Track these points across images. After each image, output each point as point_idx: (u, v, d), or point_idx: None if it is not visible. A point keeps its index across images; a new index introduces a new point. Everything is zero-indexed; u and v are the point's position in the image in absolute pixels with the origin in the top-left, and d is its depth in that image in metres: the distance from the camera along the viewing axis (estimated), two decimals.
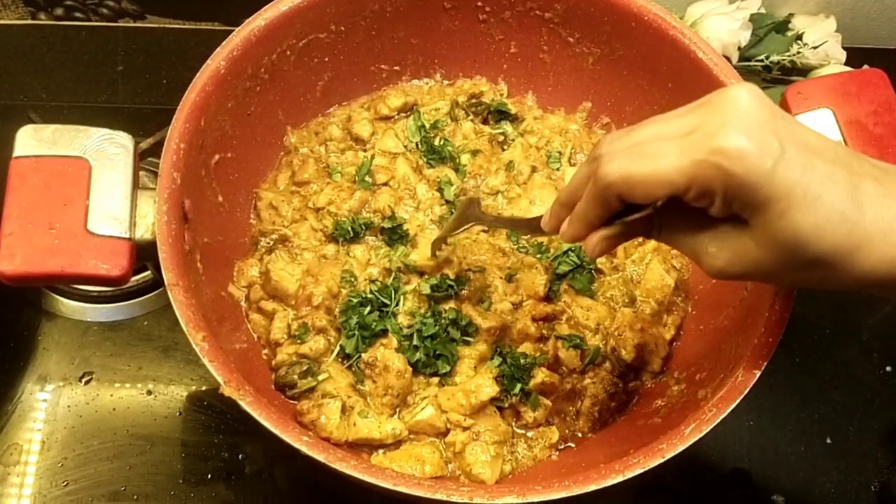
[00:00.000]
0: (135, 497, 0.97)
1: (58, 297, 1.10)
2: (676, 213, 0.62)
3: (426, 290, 0.91)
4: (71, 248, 0.74)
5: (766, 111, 0.55)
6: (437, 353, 0.89)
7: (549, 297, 0.95)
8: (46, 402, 1.03)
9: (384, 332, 0.90)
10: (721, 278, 0.62)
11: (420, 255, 0.94)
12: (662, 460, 0.70)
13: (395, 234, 0.97)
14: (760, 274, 0.60)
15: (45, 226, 0.75)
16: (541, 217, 0.73)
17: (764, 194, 0.54)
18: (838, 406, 1.10)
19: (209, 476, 0.99)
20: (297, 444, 0.69)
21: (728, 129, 0.54)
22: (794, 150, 0.54)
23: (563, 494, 0.68)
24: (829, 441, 1.08)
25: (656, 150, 0.57)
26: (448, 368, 0.89)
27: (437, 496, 0.68)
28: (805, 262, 0.57)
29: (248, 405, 0.71)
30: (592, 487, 0.69)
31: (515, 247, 0.99)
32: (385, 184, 1.01)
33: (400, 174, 1.02)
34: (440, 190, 1.01)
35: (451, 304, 0.92)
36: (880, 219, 0.56)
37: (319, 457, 0.69)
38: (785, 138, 0.54)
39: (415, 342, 0.88)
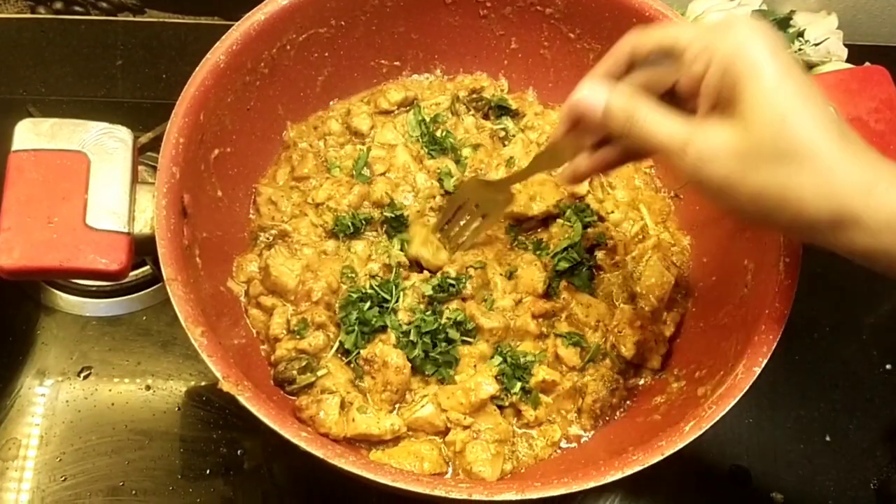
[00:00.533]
0: (133, 492, 0.97)
1: (57, 291, 1.10)
2: (656, 105, 0.66)
3: (428, 290, 0.91)
4: (69, 243, 0.74)
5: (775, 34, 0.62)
6: (441, 360, 0.89)
7: (549, 295, 0.95)
8: (45, 396, 1.03)
9: (384, 328, 0.90)
10: (693, 178, 0.63)
11: (420, 250, 0.94)
12: (662, 457, 0.70)
13: (395, 223, 0.96)
14: (729, 168, 0.61)
15: (43, 220, 0.74)
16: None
17: (768, 68, 0.59)
18: (838, 404, 1.10)
19: (208, 471, 0.99)
20: (295, 440, 0.69)
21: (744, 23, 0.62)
22: (797, 66, 0.60)
23: (562, 491, 0.68)
24: (828, 439, 1.08)
25: (671, 26, 0.70)
26: (451, 373, 0.89)
27: (436, 492, 0.68)
28: (778, 151, 0.58)
29: (246, 400, 0.71)
30: (591, 484, 0.69)
31: (514, 243, 0.99)
32: (383, 174, 1.01)
33: (400, 162, 1.02)
34: (440, 180, 1.00)
35: (455, 305, 0.92)
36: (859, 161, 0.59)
37: (318, 452, 0.69)
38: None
39: (413, 338, 0.88)
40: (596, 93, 0.68)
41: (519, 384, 0.88)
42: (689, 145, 0.62)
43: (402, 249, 0.96)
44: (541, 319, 0.93)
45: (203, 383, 1.05)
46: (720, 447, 1.06)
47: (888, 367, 1.13)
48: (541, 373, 0.88)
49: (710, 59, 0.61)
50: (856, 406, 1.10)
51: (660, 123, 0.65)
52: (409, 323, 0.90)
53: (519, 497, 0.68)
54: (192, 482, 0.99)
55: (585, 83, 0.70)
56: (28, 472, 0.97)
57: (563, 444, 0.90)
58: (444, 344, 0.89)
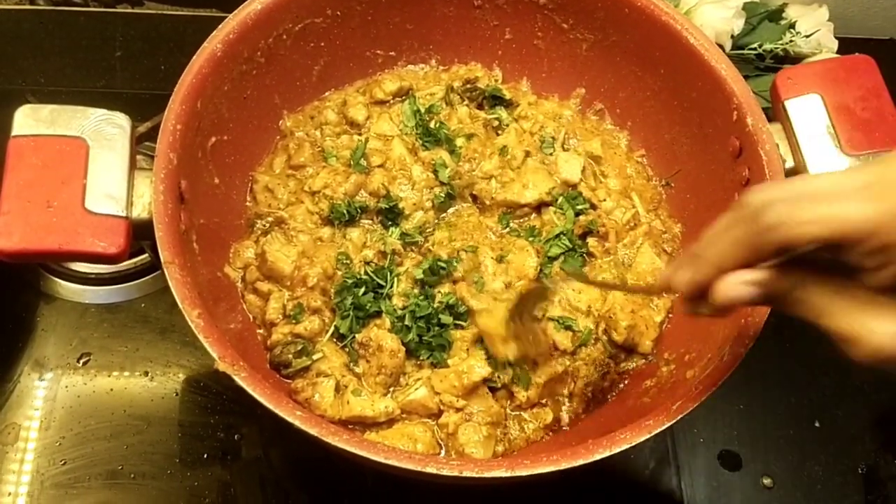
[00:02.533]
0: (132, 476, 0.98)
1: (56, 279, 1.11)
2: (826, 280, 0.56)
3: (419, 274, 0.93)
4: (68, 226, 0.76)
5: None
6: (435, 343, 0.90)
7: (540, 280, 0.96)
8: (45, 382, 1.04)
9: (378, 313, 0.92)
10: (876, 361, 0.54)
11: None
12: (649, 435, 0.71)
13: (390, 214, 0.98)
14: None
15: (42, 204, 0.76)
16: (657, 282, 0.69)
17: None
18: (827, 391, 1.12)
19: (205, 456, 1.01)
20: (290, 419, 0.70)
21: None
22: None
23: (551, 468, 0.69)
24: (817, 425, 1.09)
25: (833, 196, 0.52)
26: (444, 357, 0.90)
27: (428, 469, 0.69)
28: None
29: (242, 380, 0.72)
30: (580, 462, 0.70)
31: (506, 230, 1.00)
32: (380, 166, 1.02)
33: (396, 155, 1.03)
34: (435, 172, 1.02)
35: (447, 288, 0.93)
36: None
37: (312, 430, 0.70)
38: None
39: (407, 322, 0.89)
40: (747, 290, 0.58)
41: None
42: (882, 336, 0.53)
43: (400, 238, 0.97)
44: None
45: (201, 369, 1.06)
46: (711, 432, 1.07)
47: None
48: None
49: (891, 253, 0.51)
50: (845, 393, 1.12)
51: (832, 314, 0.55)
52: (404, 308, 0.91)
53: (509, 474, 0.69)
54: (189, 466, 1.00)
55: (732, 278, 0.58)
56: (29, 454, 0.98)
57: (555, 428, 0.91)
58: (437, 328, 0.90)
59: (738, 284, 0.58)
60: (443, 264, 0.93)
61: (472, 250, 0.96)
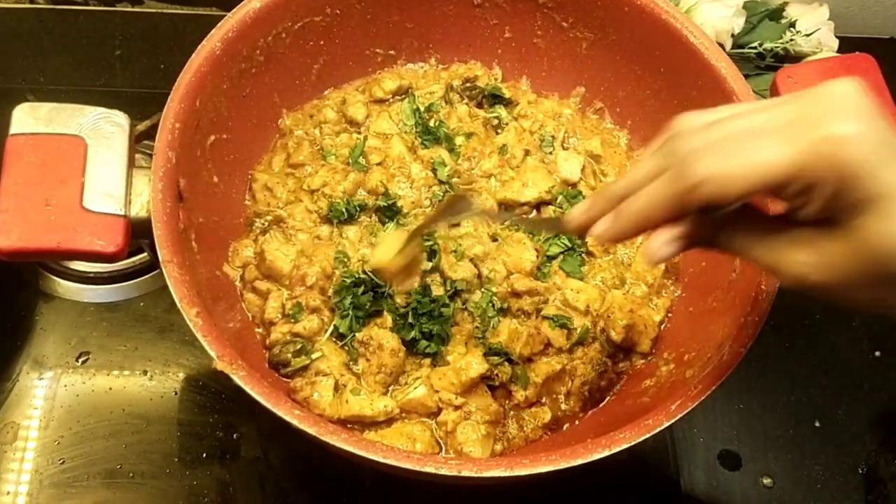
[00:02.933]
0: (130, 475, 0.98)
1: (55, 278, 1.11)
2: (746, 218, 0.58)
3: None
4: (67, 225, 0.75)
5: (874, 104, 0.51)
6: (431, 332, 0.90)
7: (538, 278, 0.96)
8: (43, 381, 1.04)
9: (378, 313, 0.91)
10: (798, 288, 0.56)
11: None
12: (649, 435, 0.71)
13: (389, 212, 0.97)
14: (841, 285, 0.54)
15: (41, 202, 0.76)
16: (560, 216, 0.68)
17: (874, 189, 0.49)
18: (827, 390, 1.12)
19: (204, 455, 1.00)
20: (288, 418, 0.70)
21: (839, 116, 0.50)
22: None
23: (550, 468, 0.69)
24: (817, 424, 1.09)
25: (754, 144, 0.52)
26: (444, 349, 0.90)
27: (427, 468, 0.69)
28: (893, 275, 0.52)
29: (241, 379, 0.72)
30: (579, 461, 0.70)
31: (506, 225, 1.00)
32: (379, 164, 1.02)
33: (395, 153, 1.03)
34: (434, 170, 1.01)
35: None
36: None
37: (311, 430, 0.70)
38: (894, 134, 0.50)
39: (410, 320, 0.89)
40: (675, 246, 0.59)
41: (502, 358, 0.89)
42: (802, 266, 0.55)
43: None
44: (526, 297, 0.94)
45: (200, 369, 1.06)
46: (711, 432, 1.07)
47: (877, 353, 1.14)
48: (504, 330, 0.90)
49: (811, 195, 0.52)
50: (845, 392, 1.12)
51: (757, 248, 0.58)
52: (407, 305, 0.91)
53: (507, 473, 0.69)
54: (188, 465, 1.00)
55: (656, 239, 0.59)
56: (29, 453, 0.98)
57: (554, 427, 0.91)
58: (438, 320, 0.90)
59: (665, 245, 0.59)
60: (427, 237, 0.94)
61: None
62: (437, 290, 0.92)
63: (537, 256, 0.96)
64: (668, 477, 1.03)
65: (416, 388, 0.88)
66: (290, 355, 0.89)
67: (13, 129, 0.78)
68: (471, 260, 0.95)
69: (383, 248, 0.83)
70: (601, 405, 0.93)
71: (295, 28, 1.00)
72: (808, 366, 1.13)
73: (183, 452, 1.01)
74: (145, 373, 1.05)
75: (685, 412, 0.73)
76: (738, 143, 0.53)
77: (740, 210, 0.58)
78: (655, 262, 0.61)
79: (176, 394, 1.04)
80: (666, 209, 0.57)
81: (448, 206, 0.82)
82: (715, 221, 0.59)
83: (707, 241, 0.60)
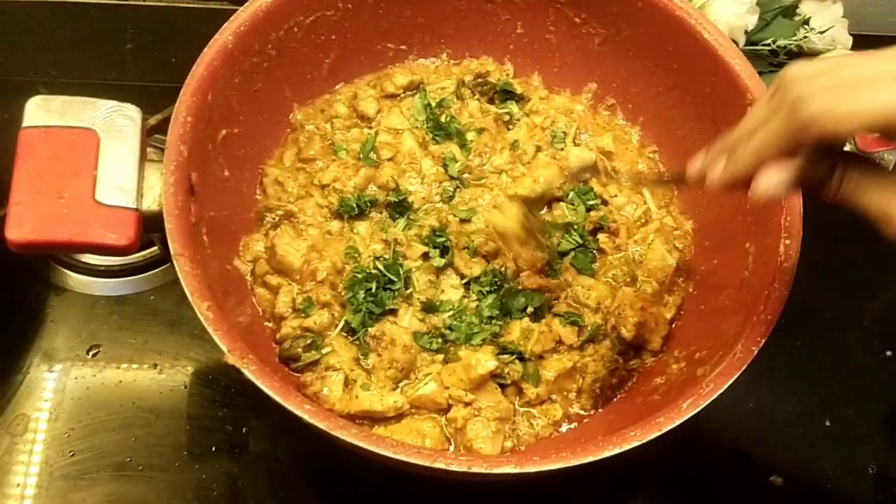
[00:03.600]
0: (140, 468, 0.99)
1: (66, 270, 1.11)
2: (859, 166, 0.58)
3: (439, 262, 0.93)
4: (79, 217, 0.76)
5: None
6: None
7: (548, 274, 0.96)
8: (54, 374, 1.04)
9: (393, 311, 0.92)
10: None
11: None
12: (659, 433, 0.71)
13: (399, 208, 0.97)
14: None
15: (53, 195, 0.76)
16: (682, 170, 0.70)
17: None
18: (838, 389, 1.11)
19: (213, 449, 1.01)
20: (298, 412, 0.70)
21: None
22: None
23: (560, 465, 0.69)
24: (828, 424, 1.08)
25: (869, 87, 0.52)
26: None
27: (437, 464, 0.69)
28: None
29: (251, 373, 0.72)
30: (589, 459, 0.69)
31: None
32: (390, 159, 1.02)
33: (406, 148, 1.03)
34: (445, 166, 1.01)
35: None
36: None
37: (321, 424, 0.70)
38: None
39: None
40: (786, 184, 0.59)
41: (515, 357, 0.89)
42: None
43: (404, 230, 0.97)
44: (536, 292, 0.94)
45: (210, 362, 1.06)
46: (721, 431, 1.06)
47: (888, 353, 1.14)
48: (515, 328, 0.90)
49: None
50: (856, 392, 1.11)
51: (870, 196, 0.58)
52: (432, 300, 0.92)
53: (517, 470, 0.68)
54: (197, 459, 1.00)
55: (766, 175, 0.59)
56: (38, 445, 0.99)
57: (564, 425, 0.91)
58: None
59: (777, 181, 0.59)
60: (439, 233, 0.95)
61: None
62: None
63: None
64: (677, 476, 1.03)
65: (426, 384, 0.88)
66: (300, 350, 0.89)
67: (26, 122, 0.78)
68: (483, 256, 0.95)
69: (508, 216, 0.90)
70: (612, 403, 0.93)
71: (307, 22, 0.99)
72: (818, 365, 1.12)
73: (192, 446, 1.01)
74: (155, 366, 1.06)
75: (696, 410, 0.72)
76: (855, 83, 0.53)
77: (853, 156, 0.58)
78: (764, 198, 0.60)
79: (185, 387, 1.04)
80: (779, 146, 0.57)
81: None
82: (828, 162, 0.58)
83: (816, 184, 0.59)
